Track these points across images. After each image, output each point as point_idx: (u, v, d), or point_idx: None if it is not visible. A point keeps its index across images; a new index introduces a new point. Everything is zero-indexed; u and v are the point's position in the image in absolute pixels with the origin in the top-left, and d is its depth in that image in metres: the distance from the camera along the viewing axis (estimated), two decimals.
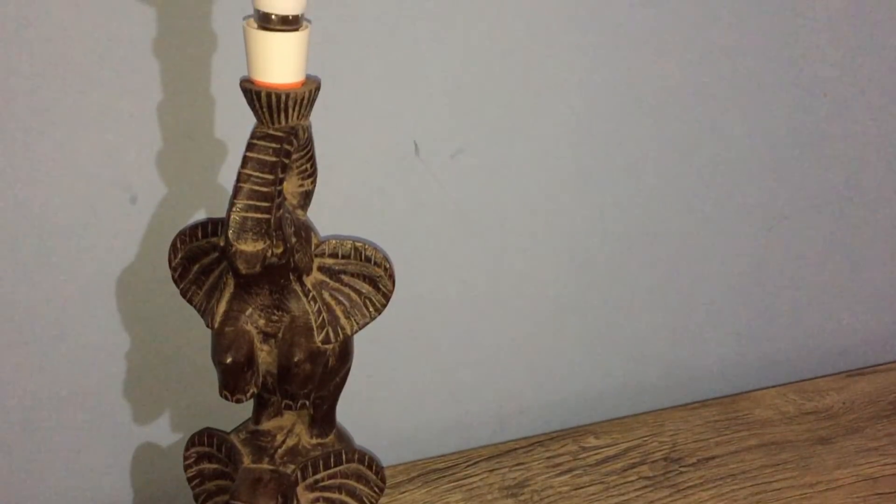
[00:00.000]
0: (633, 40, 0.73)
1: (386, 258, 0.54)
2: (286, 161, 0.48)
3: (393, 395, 0.79)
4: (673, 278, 0.86)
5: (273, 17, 0.46)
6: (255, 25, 0.46)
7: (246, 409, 0.58)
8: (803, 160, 0.85)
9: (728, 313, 0.90)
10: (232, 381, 0.52)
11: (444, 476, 0.74)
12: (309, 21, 0.48)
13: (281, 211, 0.48)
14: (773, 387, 0.89)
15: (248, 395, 0.53)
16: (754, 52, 0.78)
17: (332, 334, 0.54)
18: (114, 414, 0.69)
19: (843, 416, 0.85)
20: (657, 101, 0.77)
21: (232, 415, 0.61)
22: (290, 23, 0.46)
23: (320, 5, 0.50)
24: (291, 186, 0.53)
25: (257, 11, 0.46)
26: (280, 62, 0.47)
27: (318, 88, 0.49)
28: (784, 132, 0.83)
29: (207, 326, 0.53)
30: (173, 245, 0.56)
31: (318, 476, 0.57)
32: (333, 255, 0.54)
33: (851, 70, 0.82)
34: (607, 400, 0.88)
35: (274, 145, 0.47)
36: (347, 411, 0.61)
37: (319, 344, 0.53)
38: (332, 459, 0.57)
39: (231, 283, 0.52)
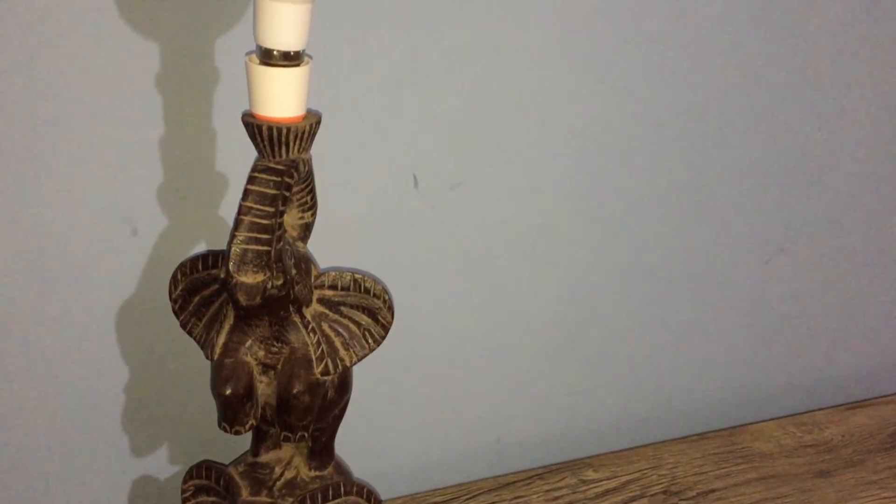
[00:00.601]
0: (631, 76, 0.74)
1: (385, 290, 0.55)
2: (287, 194, 0.48)
3: (392, 427, 0.79)
4: (671, 310, 0.86)
5: (275, 52, 0.47)
6: (258, 61, 0.47)
7: (244, 441, 0.58)
8: (799, 193, 0.86)
9: (726, 345, 0.90)
10: (231, 413, 0.52)
11: None
12: (310, 57, 0.49)
13: (281, 243, 0.49)
14: (773, 419, 0.89)
15: (247, 427, 0.53)
16: (750, 87, 0.79)
17: (331, 366, 0.54)
18: (112, 446, 0.69)
19: (843, 449, 0.85)
20: (655, 134, 0.78)
21: (230, 447, 0.61)
22: (291, 58, 0.47)
23: (321, 40, 0.51)
24: (292, 219, 0.53)
25: (259, 47, 0.47)
26: (281, 97, 0.48)
27: (318, 122, 0.50)
28: (780, 166, 0.84)
29: (207, 358, 0.54)
30: (174, 277, 0.56)
31: None
32: (333, 287, 0.54)
33: (845, 106, 0.83)
34: (606, 432, 0.87)
35: (275, 178, 0.48)
36: (346, 443, 0.61)
37: (319, 376, 0.53)
38: (330, 492, 0.57)
39: (231, 314, 0.52)
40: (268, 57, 0.47)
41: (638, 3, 0.72)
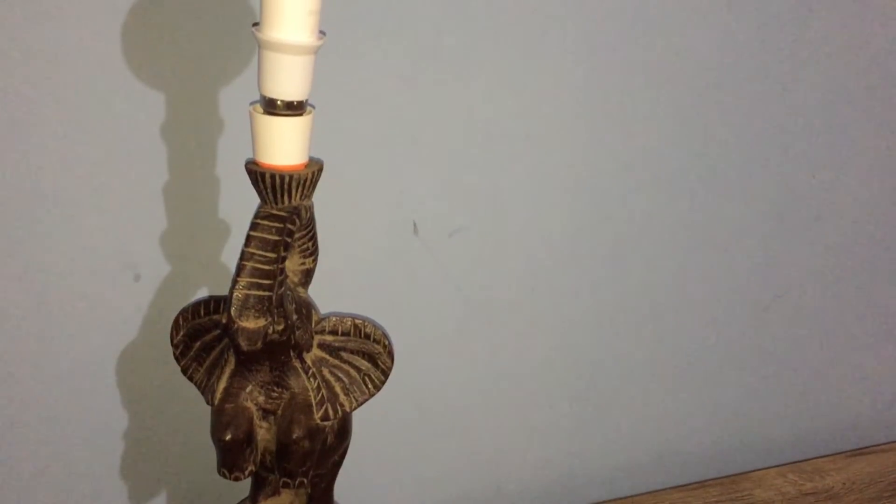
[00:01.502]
0: (628, 123, 0.76)
1: (385, 335, 0.55)
2: (288, 240, 0.49)
3: (391, 473, 0.79)
4: (670, 357, 0.86)
5: (278, 102, 0.48)
6: (261, 110, 0.48)
7: (244, 487, 0.58)
8: (797, 239, 0.86)
9: (726, 392, 0.90)
10: (230, 459, 0.52)
11: None
12: (312, 106, 0.50)
13: (283, 288, 0.49)
14: (773, 467, 0.89)
15: (247, 472, 0.53)
16: (745, 133, 0.80)
17: (331, 411, 0.54)
18: (112, 490, 0.69)
19: (845, 497, 0.84)
20: (652, 180, 0.78)
21: (229, 493, 0.61)
22: (294, 108, 0.48)
23: (323, 89, 0.52)
24: (293, 264, 0.54)
25: (263, 97, 0.48)
26: (284, 145, 0.49)
27: (320, 170, 0.51)
28: (776, 212, 0.84)
29: (207, 403, 0.54)
30: (175, 322, 0.56)
31: None
32: (333, 332, 0.55)
33: (841, 151, 0.84)
34: (606, 480, 0.87)
35: (277, 225, 0.49)
36: (345, 490, 0.61)
37: (318, 421, 0.53)
38: None
39: (232, 360, 0.53)
40: (271, 106, 0.48)
41: (634, 54, 0.73)
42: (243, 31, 0.61)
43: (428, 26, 0.66)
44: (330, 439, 0.55)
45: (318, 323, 0.54)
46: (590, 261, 0.79)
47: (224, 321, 0.49)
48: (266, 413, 0.53)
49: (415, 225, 0.72)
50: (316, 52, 0.48)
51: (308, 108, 0.49)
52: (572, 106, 0.73)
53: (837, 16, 0.77)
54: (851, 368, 0.95)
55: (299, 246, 0.53)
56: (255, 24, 0.48)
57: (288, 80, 0.47)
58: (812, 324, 0.91)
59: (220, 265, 0.66)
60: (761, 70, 0.77)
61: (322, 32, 0.48)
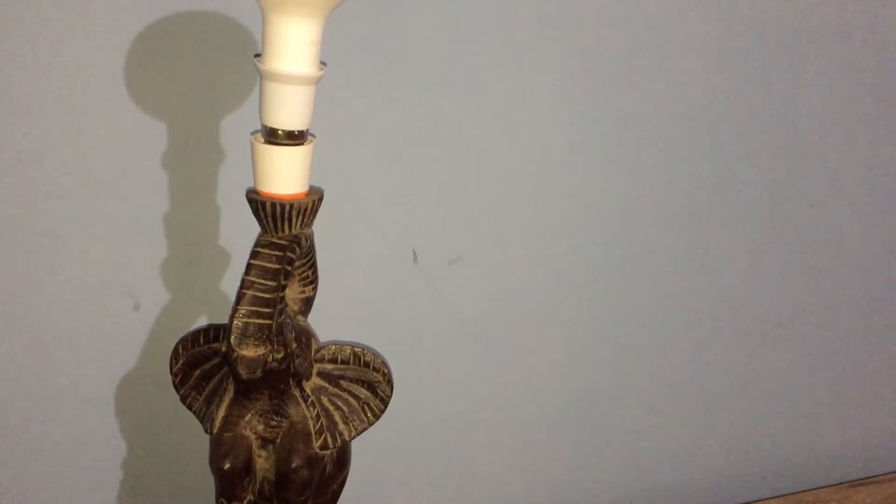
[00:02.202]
0: (626, 156, 0.76)
1: (384, 363, 0.55)
2: (288, 268, 0.49)
3: (389, 502, 0.78)
4: (668, 387, 0.86)
5: (279, 132, 0.48)
6: (262, 140, 0.49)
7: None
8: (795, 268, 0.86)
9: (725, 423, 0.90)
10: (229, 488, 0.52)
11: None
12: (313, 136, 0.50)
13: (282, 317, 0.50)
14: (773, 497, 0.88)
15: (245, 502, 0.53)
16: (741, 162, 0.81)
17: (330, 440, 0.54)
18: None
19: None
20: (650, 211, 0.79)
21: None
22: (295, 137, 0.49)
23: (324, 119, 0.53)
24: (293, 293, 0.54)
25: (264, 127, 0.49)
26: (285, 174, 0.49)
27: (320, 199, 0.51)
28: (773, 242, 0.85)
29: (206, 432, 0.54)
30: (175, 351, 0.57)
31: None
32: (333, 361, 0.55)
33: (837, 181, 0.85)
34: None
35: (277, 253, 0.49)
36: None
37: (318, 450, 0.53)
38: None
39: (231, 388, 0.53)
40: (272, 136, 0.48)
41: (634, 84, 0.74)
42: (244, 62, 0.62)
43: (428, 57, 0.67)
44: (329, 468, 0.55)
45: (317, 351, 0.54)
46: (588, 290, 0.79)
47: (224, 349, 0.49)
48: (265, 442, 0.53)
49: (414, 253, 0.72)
50: (317, 82, 0.48)
51: (309, 138, 0.50)
52: (572, 136, 0.74)
53: (834, 49, 0.78)
54: (852, 397, 0.95)
55: (299, 274, 0.53)
56: (257, 56, 0.48)
57: (289, 110, 0.48)
58: (812, 353, 0.91)
59: (219, 294, 0.66)
60: (759, 101, 0.78)
61: (323, 63, 0.49)
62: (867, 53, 0.80)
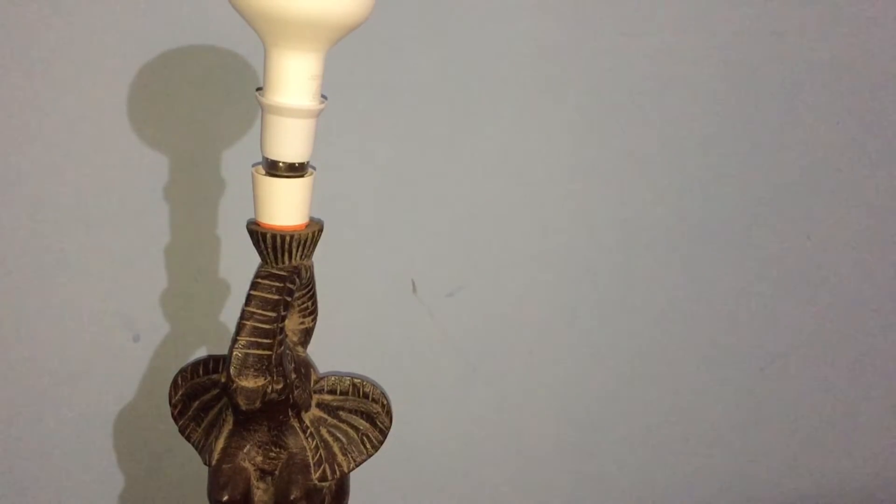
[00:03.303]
0: (624, 189, 0.77)
1: (384, 395, 0.55)
2: (288, 299, 0.50)
3: None
4: (668, 420, 0.86)
5: (280, 164, 0.49)
6: (263, 172, 0.49)
7: None
8: (791, 302, 0.87)
9: (724, 455, 0.89)
10: None
11: None
12: (313, 168, 0.51)
13: (282, 348, 0.50)
14: None
15: None
16: (740, 195, 0.81)
17: (329, 472, 0.54)
18: None
19: None
20: (648, 245, 0.79)
21: None
22: (296, 169, 0.49)
23: (324, 151, 0.53)
24: (293, 324, 0.54)
25: (265, 159, 0.49)
26: (285, 206, 0.49)
27: (320, 230, 0.51)
28: (771, 274, 0.85)
29: (205, 463, 0.54)
30: (174, 382, 0.57)
31: None
32: (332, 392, 0.55)
33: (834, 213, 0.85)
34: None
35: (277, 284, 0.49)
36: None
37: (316, 482, 0.53)
38: None
39: (230, 419, 0.53)
40: (273, 168, 0.49)
41: (632, 119, 0.74)
42: (245, 95, 0.62)
43: (428, 90, 0.68)
44: (328, 500, 0.55)
45: (316, 382, 0.54)
46: (587, 322, 0.79)
47: (223, 380, 0.49)
48: (264, 473, 0.53)
49: (413, 284, 0.73)
50: (318, 115, 0.49)
51: (309, 170, 0.50)
52: (570, 170, 0.74)
53: (830, 82, 0.79)
54: (848, 431, 0.94)
55: (299, 305, 0.54)
56: (259, 89, 0.49)
57: (290, 143, 0.48)
58: (809, 385, 0.90)
59: (219, 325, 0.66)
60: (755, 136, 0.79)
61: (323, 97, 0.50)
62: (861, 89, 0.80)
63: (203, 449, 0.55)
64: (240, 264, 0.59)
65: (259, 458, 0.53)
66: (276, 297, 0.49)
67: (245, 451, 0.52)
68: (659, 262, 0.80)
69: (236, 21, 0.49)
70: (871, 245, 0.88)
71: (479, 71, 0.69)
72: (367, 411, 0.55)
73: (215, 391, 0.55)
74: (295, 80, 0.47)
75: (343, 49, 0.52)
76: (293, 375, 0.51)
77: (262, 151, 0.49)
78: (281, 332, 0.49)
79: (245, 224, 0.51)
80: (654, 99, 0.74)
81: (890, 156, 0.83)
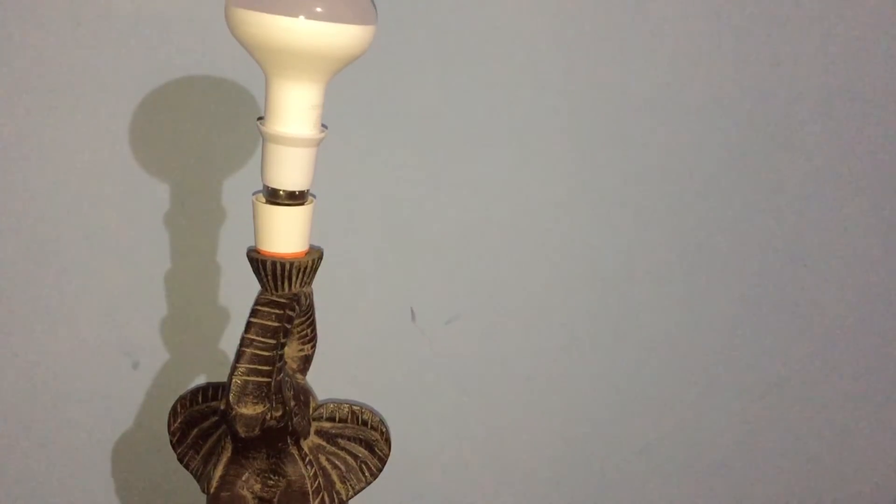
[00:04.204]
0: (623, 214, 0.77)
1: (382, 422, 0.55)
2: (288, 326, 0.50)
3: None
4: (666, 447, 0.86)
5: (281, 192, 0.49)
6: (264, 200, 0.50)
7: None
8: (790, 329, 0.87)
9: (721, 484, 0.89)
10: None
11: None
12: (314, 196, 0.51)
13: (281, 375, 0.50)
14: None
15: None
16: (736, 221, 0.81)
17: (327, 499, 0.53)
18: None
19: None
20: (646, 273, 0.79)
21: None
22: (296, 198, 0.49)
23: (324, 179, 0.54)
24: (292, 351, 0.54)
25: (266, 187, 0.49)
26: (285, 233, 0.50)
27: (320, 258, 0.52)
28: (769, 301, 0.85)
29: (203, 492, 0.53)
30: (173, 409, 0.57)
31: None
32: (331, 419, 0.55)
33: (830, 239, 0.86)
34: None
35: (277, 311, 0.49)
36: None
37: None
38: None
39: (229, 447, 0.53)
40: (274, 196, 0.49)
41: (631, 146, 0.75)
42: (246, 124, 0.63)
43: (427, 119, 0.68)
44: None
45: (315, 409, 0.54)
46: (584, 350, 0.79)
47: (223, 407, 0.49)
48: (262, 501, 0.53)
49: (412, 312, 0.73)
50: (318, 144, 0.50)
51: (309, 198, 0.51)
52: (568, 198, 0.75)
53: (827, 111, 0.80)
54: (847, 459, 0.94)
55: (298, 332, 0.54)
56: (260, 119, 0.49)
57: (290, 171, 0.49)
58: (809, 412, 0.90)
59: (218, 352, 0.66)
60: (753, 162, 0.79)
61: (324, 126, 0.50)
62: (860, 116, 0.81)
63: (201, 477, 0.55)
64: (240, 291, 0.59)
65: (257, 486, 0.52)
66: (275, 324, 0.49)
67: (243, 478, 0.52)
68: (657, 290, 0.80)
69: (238, 51, 0.50)
70: (867, 271, 0.88)
71: (478, 101, 0.69)
72: (365, 439, 0.55)
73: (214, 419, 0.55)
74: (296, 110, 0.48)
75: (343, 78, 0.53)
76: (292, 402, 0.51)
77: (262, 180, 0.50)
78: (280, 360, 0.49)
79: (245, 251, 0.51)
80: (653, 128, 0.75)
81: (887, 184, 0.84)
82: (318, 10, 0.45)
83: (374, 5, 0.49)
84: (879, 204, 0.85)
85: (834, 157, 0.82)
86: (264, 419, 0.49)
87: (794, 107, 0.79)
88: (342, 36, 0.46)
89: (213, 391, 0.55)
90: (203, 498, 0.53)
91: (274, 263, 0.49)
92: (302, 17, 0.45)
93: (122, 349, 0.65)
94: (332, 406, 0.55)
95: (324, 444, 0.54)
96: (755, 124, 0.78)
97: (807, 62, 0.77)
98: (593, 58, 0.71)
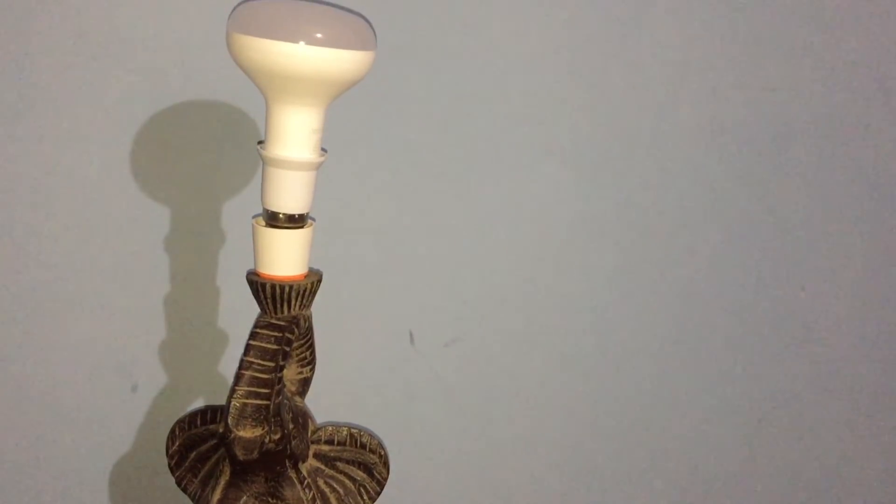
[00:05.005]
0: (619, 242, 0.77)
1: (381, 445, 0.55)
2: (287, 349, 0.50)
3: None
4: (665, 473, 0.85)
5: (280, 215, 0.49)
6: (264, 223, 0.50)
7: None
8: (787, 353, 0.87)
9: None
10: None
11: None
12: (313, 219, 0.51)
13: (280, 397, 0.50)
14: None
15: None
16: (732, 245, 0.82)
17: None
18: None
19: None
20: (646, 297, 0.80)
21: None
22: (296, 221, 0.50)
23: (323, 203, 0.54)
24: (291, 373, 0.54)
25: (266, 210, 0.50)
26: (285, 257, 0.50)
27: (319, 281, 0.52)
28: (767, 326, 0.85)
29: None
30: (172, 432, 0.57)
31: None
32: (329, 442, 0.55)
33: (828, 265, 0.86)
34: None
35: (276, 334, 0.50)
36: None
37: None
38: None
39: (227, 470, 0.52)
40: (274, 219, 0.50)
41: (627, 173, 0.76)
42: (246, 148, 0.64)
43: (426, 144, 0.69)
44: None
45: (314, 432, 0.54)
46: (584, 373, 0.80)
47: (221, 430, 0.49)
48: None
49: (411, 335, 0.73)
50: (318, 168, 0.50)
51: (309, 221, 0.51)
52: (565, 224, 0.75)
53: (823, 137, 0.80)
54: (848, 483, 0.94)
55: (297, 355, 0.54)
56: (260, 142, 0.50)
57: (290, 195, 0.49)
58: (807, 436, 0.90)
59: (217, 375, 0.66)
60: (750, 188, 0.80)
61: (323, 150, 0.51)
62: (853, 144, 0.82)
63: (199, 500, 0.55)
64: (239, 314, 0.59)
65: None
66: (274, 346, 0.49)
67: (242, 502, 0.52)
68: (656, 316, 0.81)
69: (239, 75, 0.50)
70: (865, 297, 0.88)
71: (478, 125, 0.70)
72: (364, 462, 0.55)
73: (212, 442, 0.55)
74: (296, 134, 0.48)
75: (343, 102, 0.53)
76: (291, 425, 0.51)
77: (262, 203, 0.50)
78: (279, 382, 0.49)
79: (245, 274, 0.51)
80: (650, 158, 0.76)
81: (885, 210, 0.84)
82: (319, 36, 0.46)
83: (374, 31, 0.50)
84: (878, 229, 0.85)
85: (832, 183, 0.82)
86: (263, 442, 0.49)
87: (790, 133, 0.79)
88: (342, 61, 0.47)
89: (212, 414, 0.55)
90: None
91: (273, 286, 0.50)
92: (302, 43, 0.45)
93: (121, 372, 0.65)
94: (330, 429, 0.55)
95: (322, 467, 0.54)
96: (751, 152, 0.78)
97: (802, 87, 0.77)
98: (593, 86, 0.71)
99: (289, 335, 0.50)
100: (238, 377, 0.49)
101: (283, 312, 0.50)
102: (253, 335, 0.50)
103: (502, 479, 0.79)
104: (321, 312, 0.55)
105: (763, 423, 0.88)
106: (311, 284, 0.51)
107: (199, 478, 0.56)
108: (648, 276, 0.79)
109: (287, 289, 0.50)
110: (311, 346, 0.55)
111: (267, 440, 0.49)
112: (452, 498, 0.78)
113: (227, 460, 0.52)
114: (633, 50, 0.71)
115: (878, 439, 0.94)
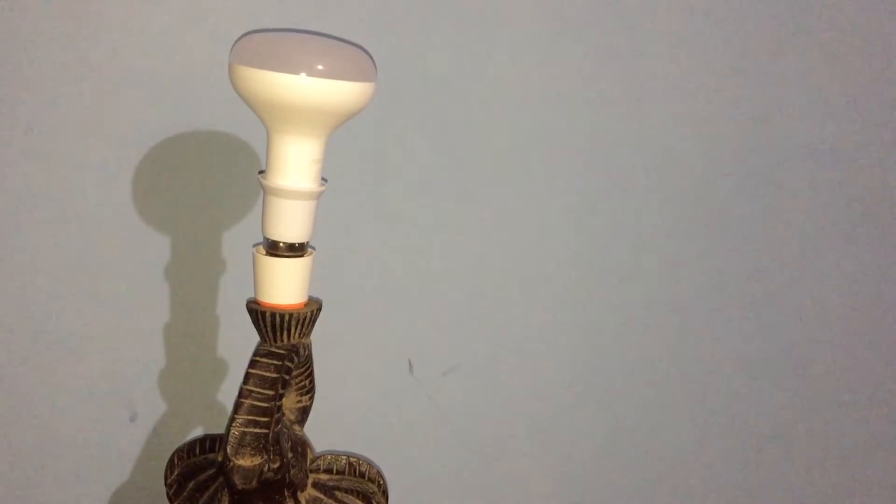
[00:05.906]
0: (618, 267, 0.78)
1: (380, 474, 0.55)
2: (286, 377, 0.50)
3: None
4: (666, 499, 0.85)
5: (281, 244, 0.50)
6: (264, 252, 0.50)
7: None
8: (786, 382, 0.87)
9: None
10: None
11: None
12: (313, 248, 0.52)
13: (279, 426, 0.50)
14: None
15: None
16: (733, 272, 0.82)
17: None
18: None
19: None
20: (646, 323, 0.80)
21: None
22: (296, 250, 0.50)
23: (323, 232, 0.54)
24: (290, 402, 0.54)
25: (266, 239, 0.50)
26: (285, 285, 0.50)
27: (319, 309, 0.52)
28: (765, 354, 0.85)
29: None
30: (171, 461, 0.56)
31: None
32: (328, 471, 0.55)
33: (825, 294, 0.86)
34: None
35: (275, 362, 0.50)
36: None
37: None
38: None
39: (225, 500, 0.52)
40: (274, 248, 0.50)
41: (626, 193, 0.76)
42: (246, 177, 0.64)
43: (425, 173, 0.69)
44: None
45: (312, 461, 0.54)
46: (584, 400, 0.79)
47: (220, 458, 0.49)
48: None
49: (410, 364, 0.73)
50: (318, 197, 0.50)
51: (309, 250, 0.51)
52: (563, 250, 0.75)
53: (816, 165, 0.81)
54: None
55: (297, 383, 0.54)
56: (261, 172, 0.50)
57: (290, 224, 0.50)
58: (806, 466, 0.90)
59: (216, 404, 0.66)
60: (746, 216, 0.80)
61: (324, 179, 0.51)
62: (847, 172, 0.82)
63: None
64: (238, 343, 0.59)
65: None
66: (274, 375, 0.49)
67: None
68: (656, 342, 0.81)
69: (240, 106, 0.51)
70: (863, 325, 0.88)
71: (476, 154, 0.70)
72: (363, 491, 0.55)
73: (211, 471, 0.55)
74: (296, 164, 0.49)
75: (343, 133, 0.54)
76: (290, 454, 0.51)
77: (263, 232, 0.50)
78: (278, 411, 0.49)
79: (245, 303, 0.51)
80: (648, 180, 0.76)
81: (879, 237, 0.84)
82: (319, 67, 0.46)
83: (374, 62, 0.50)
84: (874, 258, 0.86)
85: (827, 213, 0.83)
86: (262, 471, 0.49)
87: (785, 161, 0.80)
88: (342, 92, 0.47)
89: (211, 443, 0.55)
90: None
91: (273, 315, 0.50)
92: (303, 75, 0.46)
93: (120, 401, 0.65)
94: (329, 457, 0.55)
95: (321, 496, 0.54)
96: (747, 178, 0.79)
97: (795, 117, 0.78)
98: (590, 109, 0.72)
99: (288, 363, 0.50)
100: (237, 405, 0.49)
101: (283, 341, 0.50)
102: (252, 363, 0.50)
103: None
104: (321, 341, 0.55)
105: (763, 451, 0.88)
106: (310, 313, 0.51)
107: None
108: (650, 306, 0.79)
109: (287, 317, 0.50)
110: (311, 375, 0.55)
111: (266, 469, 0.49)
112: None
113: (225, 489, 0.52)
114: (634, 53, 0.72)
115: (877, 469, 0.93)
